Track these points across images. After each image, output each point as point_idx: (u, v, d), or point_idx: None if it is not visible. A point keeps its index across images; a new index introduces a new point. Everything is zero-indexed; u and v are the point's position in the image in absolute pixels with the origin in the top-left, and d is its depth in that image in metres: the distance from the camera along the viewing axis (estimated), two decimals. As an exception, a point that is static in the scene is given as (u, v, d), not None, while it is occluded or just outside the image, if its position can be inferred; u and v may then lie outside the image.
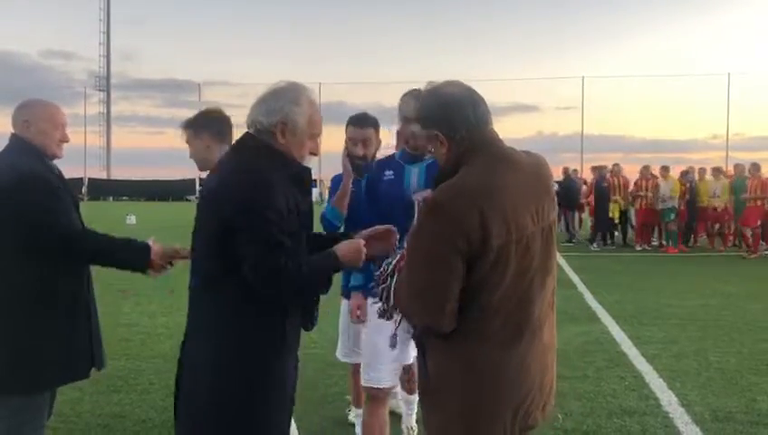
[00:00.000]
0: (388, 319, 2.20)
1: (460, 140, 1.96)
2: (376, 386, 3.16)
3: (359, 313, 3.28)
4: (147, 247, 2.92)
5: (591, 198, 16.43)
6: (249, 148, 2.26)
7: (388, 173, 3.23)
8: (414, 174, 3.16)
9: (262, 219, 2.10)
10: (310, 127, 2.28)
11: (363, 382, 3.23)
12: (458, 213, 1.83)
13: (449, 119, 1.97)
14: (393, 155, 3.33)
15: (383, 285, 2.14)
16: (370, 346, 3.18)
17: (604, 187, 15.68)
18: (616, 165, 16.54)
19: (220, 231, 2.14)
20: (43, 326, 2.76)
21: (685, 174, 15.64)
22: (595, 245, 15.48)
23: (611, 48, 67.42)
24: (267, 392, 2.24)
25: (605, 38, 66.77)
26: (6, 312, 2.77)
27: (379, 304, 2.18)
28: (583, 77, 38.51)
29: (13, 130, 2.91)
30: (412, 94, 3.08)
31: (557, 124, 68.91)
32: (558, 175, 19.31)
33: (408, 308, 1.99)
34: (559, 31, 68.09)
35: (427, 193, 2.31)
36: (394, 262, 2.13)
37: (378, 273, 2.18)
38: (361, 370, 3.29)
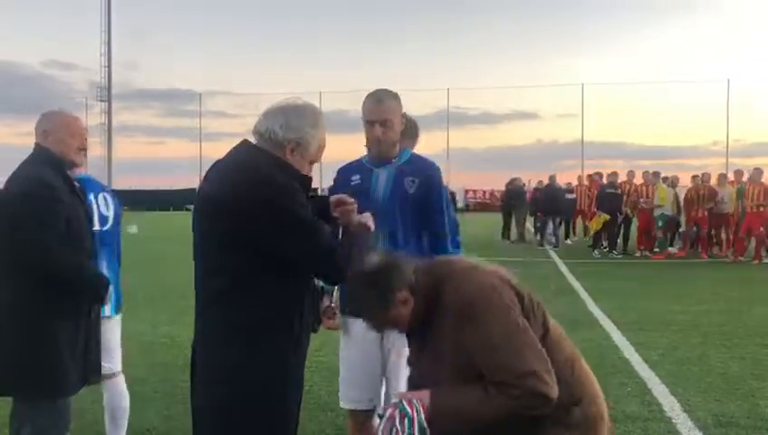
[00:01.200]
0: None
1: (418, 286, 2.15)
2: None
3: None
4: (104, 282, 2.98)
5: (593, 206, 16.40)
6: (260, 156, 2.24)
7: (355, 178, 3.05)
8: (382, 178, 3.01)
9: (299, 214, 2.15)
10: (317, 152, 2.33)
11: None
12: (499, 283, 2.09)
13: (394, 286, 2.16)
14: (360, 159, 3.12)
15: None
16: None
17: (611, 193, 15.44)
18: (630, 172, 16.52)
19: (249, 236, 2.13)
20: (61, 332, 2.82)
21: (700, 178, 15.34)
22: (596, 252, 15.40)
23: (611, 55, 67.58)
24: (286, 392, 2.26)
25: (605, 45, 66.96)
26: (26, 319, 2.82)
27: None
28: (583, 84, 38.64)
29: (36, 140, 3.01)
30: (375, 96, 2.97)
31: (557, 131, 68.91)
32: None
33: (525, 388, 1.93)
34: (558, 38, 68.36)
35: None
36: (412, 416, 1.92)
37: (382, 424, 1.98)
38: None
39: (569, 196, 18.11)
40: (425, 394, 1.99)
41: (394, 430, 1.93)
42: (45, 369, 2.80)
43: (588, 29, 66.47)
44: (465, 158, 51.83)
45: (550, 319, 2.19)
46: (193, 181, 38.89)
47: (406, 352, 2.86)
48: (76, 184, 3.04)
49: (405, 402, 1.96)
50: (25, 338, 2.81)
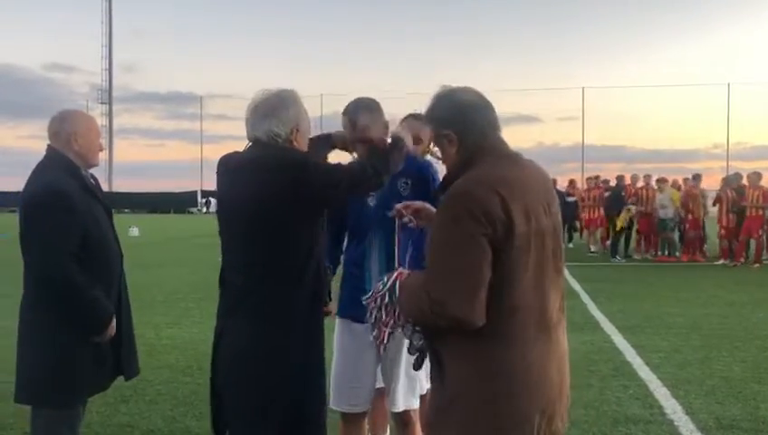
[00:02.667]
0: (382, 343, 2.17)
1: (470, 142, 2.02)
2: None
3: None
4: (107, 315, 2.90)
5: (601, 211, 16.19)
6: (285, 149, 2.46)
7: None
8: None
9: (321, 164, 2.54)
10: (308, 127, 2.57)
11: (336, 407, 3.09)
12: (482, 196, 1.85)
13: (462, 121, 2.02)
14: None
15: (378, 302, 2.11)
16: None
17: (622, 196, 15.31)
18: (647, 175, 16.20)
19: (290, 211, 2.36)
20: (73, 339, 2.83)
21: (730, 180, 15.13)
22: (618, 258, 15.02)
23: (611, 59, 67.70)
24: (321, 371, 2.54)
25: (605, 49, 67.07)
26: (38, 328, 2.85)
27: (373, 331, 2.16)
28: (583, 88, 38.79)
29: (50, 143, 2.97)
30: (364, 104, 2.92)
31: (558, 135, 69.41)
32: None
33: (437, 300, 1.84)
34: (559, 42, 68.46)
35: (407, 204, 2.39)
36: (392, 279, 2.11)
37: (369, 295, 2.15)
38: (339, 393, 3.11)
39: (569, 199, 18.10)
40: (405, 272, 2.12)
41: (375, 288, 2.17)
42: (55, 377, 2.82)
43: (589, 33, 66.60)
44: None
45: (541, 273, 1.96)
46: (194, 184, 38.98)
47: (401, 359, 2.93)
48: (92, 182, 3.05)
49: (386, 275, 2.17)
50: (40, 343, 2.84)
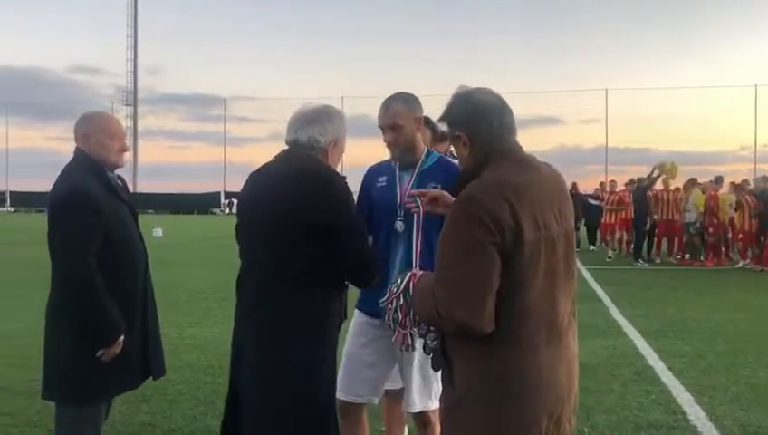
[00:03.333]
0: (407, 347, 2.20)
1: (483, 144, 2.01)
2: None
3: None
4: (117, 328, 2.88)
5: (630, 212, 15.91)
6: (314, 161, 2.53)
7: (381, 180, 3.09)
8: (406, 180, 3.03)
9: (354, 218, 2.52)
10: (344, 147, 2.69)
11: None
12: (491, 203, 1.85)
13: (475, 123, 2.02)
14: (389, 160, 3.12)
15: (395, 304, 2.13)
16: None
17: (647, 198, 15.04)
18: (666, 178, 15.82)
19: (310, 232, 2.38)
20: (98, 338, 2.85)
21: (744, 185, 15.02)
22: (641, 261, 14.85)
23: (635, 60, 66.99)
24: (334, 377, 2.59)
25: (628, 50, 66.44)
26: (64, 325, 2.89)
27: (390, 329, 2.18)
28: (607, 89, 38.45)
29: (76, 144, 3.03)
30: (384, 101, 2.97)
31: (580, 137, 68.86)
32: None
33: (444, 306, 1.86)
34: (582, 43, 67.94)
35: (424, 191, 2.41)
36: (405, 280, 2.13)
37: (385, 298, 2.16)
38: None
39: (593, 201, 17.94)
40: (418, 273, 2.15)
41: (390, 291, 2.18)
42: (77, 375, 2.86)
43: (611, 34, 66.01)
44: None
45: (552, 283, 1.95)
46: (217, 185, 39.31)
47: (414, 359, 2.93)
48: (119, 183, 3.08)
49: (400, 276, 2.18)
50: (65, 344, 2.88)
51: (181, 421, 4.44)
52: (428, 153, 3.09)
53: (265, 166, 2.62)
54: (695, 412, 4.67)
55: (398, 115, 2.93)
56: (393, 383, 3.19)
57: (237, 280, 2.61)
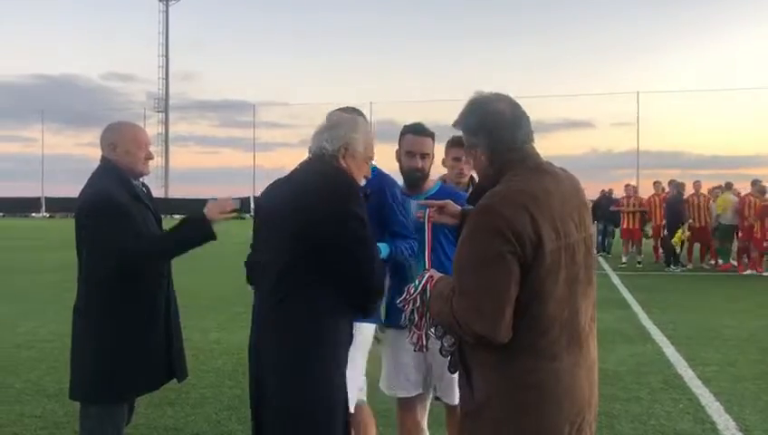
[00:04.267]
0: (421, 348, 2.21)
1: (500, 153, 2.00)
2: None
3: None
4: (202, 219, 3.11)
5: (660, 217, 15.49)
6: (327, 167, 2.52)
7: (401, 196, 3.21)
8: (413, 207, 3.12)
9: (362, 237, 2.44)
10: (366, 151, 2.63)
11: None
12: (510, 214, 1.83)
13: (491, 131, 2.00)
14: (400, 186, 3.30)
15: (411, 305, 2.13)
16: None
17: (679, 203, 14.67)
18: (697, 182, 15.50)
19: (319, 246, 2.38)
20: (122, 340, 2.93)
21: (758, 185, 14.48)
22: (673, 267, 14.55)
23: (667, 62, 65.96)
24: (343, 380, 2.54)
25: (661, 52, 65.38)
26: (90, 326, 2.97)
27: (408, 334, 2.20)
28: (638, 92, 37.83)
29: (102, 153, 3.12)
30: (416, 129, 3.26)
31: (612, 140, 67.50)
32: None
33: (462, 317, 1.86)
34: (613, 46, 67.13)
35: (432, 202, 2.43)
36: (422, 282, 2.13)
37: (402, 298, 2.17)
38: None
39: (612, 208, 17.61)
40: (435, 275, 2.14)
41: (407, 291, 2.18)
42: (101, 375, 2.93)
43: (643, 36, 65.12)
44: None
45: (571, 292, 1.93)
46: (246, 190, 39.64)
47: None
48: (143, 190, 3.16)
49: (417, 278, 2.18)
50: (89, 343, 2.96)
51: (205, 426, 4.48)
52: (435, 184, 3.33)
53: (288, 174, 2.65)
54: (724, 422, 4.57)
55: (428, 146, 3.26)
56: (406, 391, 3.21)
57: (248, 277, 2.70)
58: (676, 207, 14.64)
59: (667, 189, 15.85)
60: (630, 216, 15.70)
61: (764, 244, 13.66)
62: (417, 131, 3.26)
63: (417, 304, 2.13)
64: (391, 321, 3.11)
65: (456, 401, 2.99)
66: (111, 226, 2.87)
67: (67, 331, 3.10)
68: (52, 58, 76.74)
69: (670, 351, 6.66)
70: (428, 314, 2.12)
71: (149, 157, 3.17)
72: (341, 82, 61.97)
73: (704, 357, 6.40)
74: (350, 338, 2.55)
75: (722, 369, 5.99)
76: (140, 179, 3.18)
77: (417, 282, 2.16)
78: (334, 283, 2.41)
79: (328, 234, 2.37)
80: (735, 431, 4.40)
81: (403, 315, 2.19)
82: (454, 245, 2.88)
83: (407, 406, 3.26)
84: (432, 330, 2.15)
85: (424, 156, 3.24)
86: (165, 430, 4.38)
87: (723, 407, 4.88)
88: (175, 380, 3.21)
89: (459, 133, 2.14)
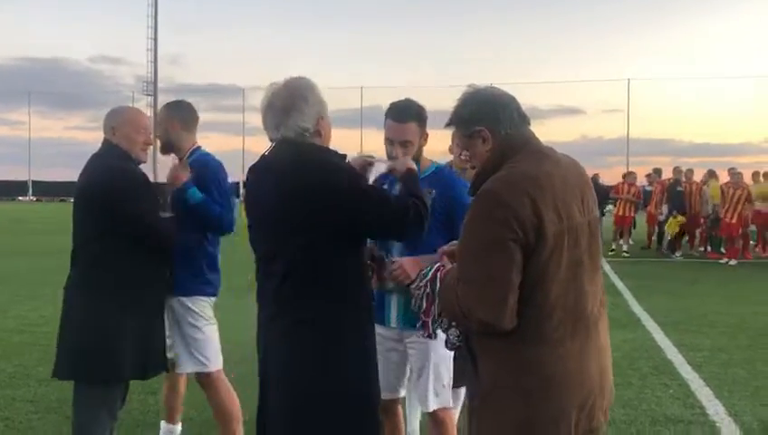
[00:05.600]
0: (429, 335, 2.20)
1: (503, 137, 1.98)
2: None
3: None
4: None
5: (652, 206, 15.66)
6: (310, 147, 2.38)
7: (385, 183, 3.03)
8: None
9: (365, 186, 2.39)
10: (327, 111, 2.46)
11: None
12: (512, 200, 1.82)
13: (492, 115, 1.99)
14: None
15: (422, 292, 2.13)
16: None
17: (680, 192, 14.73)
18: (689, 170, 15.48)
19: (324, 222, 2.27)
20: (123, 321, 2.92)
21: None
22: (678, 254, 14.59)
23: (658, 49, 66.05)
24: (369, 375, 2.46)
25: (651, 39, 65.50)
26: (90, 305, 2.95)
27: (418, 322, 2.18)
28: (629, 79, 37.93)
29: (105, 136, 3.10)
30: (396, 111, 2.91)
31: (602, 127, 68.06)
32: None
33: (466, 305, 1.86)
34: (604, 33, 67.11)
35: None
36: (432, 271, 2.13)
37: (414, 283, 2.18)
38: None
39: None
40: (447, 265, 2.13)
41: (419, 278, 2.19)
42: (100, 354, 2.92)
43: (634, 23, 65.11)
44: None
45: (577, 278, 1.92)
46: (236, 175, 39.52)
47: (428, 359, 2.94)
48: (146, 175, 3.13)
49: (432, 265, 2.17)
50: (85, 322, 2.94)
51: (193, 412, 4.46)
52: (431, 165, 3.07)
53: (264, 162, 2.45)
54: (713, 407, 4.62)
55: (410, 132, 2.90)
56: (389, 393, 3.07)
57: (257, 280, 2.50)
58: (673, 194, 14.74)
59: (665, 177, 15.88)
60: (626, 203, 15.68)
61: (740, 230, 13.78)
62: (396, 117, 2.91)
63: (428, 290, 2.12)
64: (378, 322, 3.03)
65: (431, 407, 3.01)
66: (138, 201, 2.91)
67: (57, 314, 3.07)
68: (40, 40, 76.19)
69: (660, 337, 6.71)
70: (437, 304, 2.11)
71: (148, 142, 3.12)
72: (331, 67, 61.72)
73: (693, 343, 6.45)
74: (364, 326, 2.42)
75: (711, 354, 6.05)
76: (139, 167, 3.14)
77: (428, 269, 2.16)
78: (342, 264, 2.32)
79: (326, 205, 2.26)
80: (725, 416, 4.44)
81: (413, 301, 2.19)
82: (442, 229, 2.88)
83: (389, 409, 3.17)
84: (438, 322, 2.14)
85: (405, 144, 2.88)
86: (157, 415, 4.35)
87: (712, 392, 4.93)
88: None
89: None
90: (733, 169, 14.46)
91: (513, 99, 2.04)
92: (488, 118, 1.99)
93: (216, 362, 3.46)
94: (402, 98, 3.01)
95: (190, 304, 3.33)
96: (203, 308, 3.40)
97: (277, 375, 2.37)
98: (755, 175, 15.04)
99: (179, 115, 3.43)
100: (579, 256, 1.91)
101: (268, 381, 2.42)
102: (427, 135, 3.00)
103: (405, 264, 2.66)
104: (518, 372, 1.89)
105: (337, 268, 2.32)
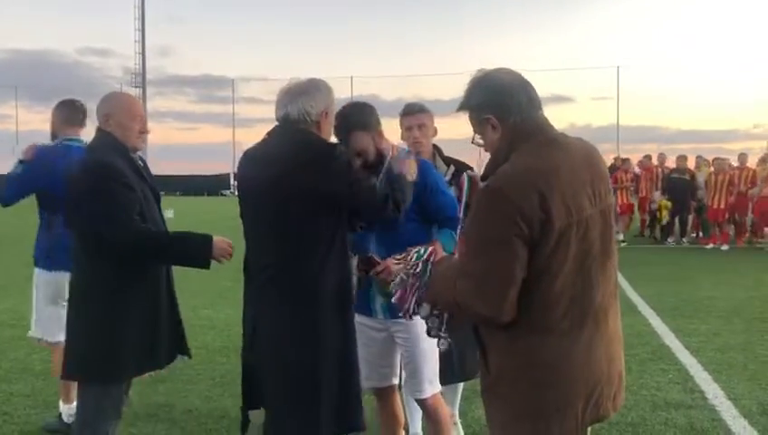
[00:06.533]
0: (404, 313, 2.18)
1: (513, 124, 1.94)
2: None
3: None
4: (208, 240, 2.90)
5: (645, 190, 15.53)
6: (309, 135, 2.56)
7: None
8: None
9: (354, 181, 2.56)
10: (333, 118, 2.71)
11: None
12: (518, 196, 1.79)
13: (501, 103, 1.95)
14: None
15: (410, 271, 2.12)
16: None
17: (677, 178, 14.61)
18: (681, 156, 15.37)
19: (313, 206, 2.45)
20: (124, 317, 2.86)
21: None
22: (671, 240, 14.68)
23: (647, 36, 66.11)
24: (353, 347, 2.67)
25: (640, 26, 65.57)
26: (89, 302, 2.89)
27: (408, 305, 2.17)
28: (618, 66, 37.96)
29: (97, 125, 3.01)
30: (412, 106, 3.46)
31: (591, 115, 68.15)
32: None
33: (464, 299, 1.87)
34: (593, 20, 67.11)
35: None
36: (425, 254, 2.12)
37: (400, 256, 2.18)
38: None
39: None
40: (441, 251, 2.19)
41: (408, 252, 2.22)
42: (103, 352, 2.85)
43: (623, 10, 65.15)
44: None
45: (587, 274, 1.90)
46: (226, 167, 39.34)
47: (416, 347, 2.97)
48: (140, 164, 3.04)
49: (425, 246, 2.21)
50: (89, 320, 2.88)
51: (198, 402, 4.46)
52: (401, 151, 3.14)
53: (260, 145, 2.63)
54: (713, 391, 4.64)
55: (424, 116, 3.46)
56: (377, 382, 3.16)
57: (244, 262, 2.66)
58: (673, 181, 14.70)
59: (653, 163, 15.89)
60: (625, 191, 15.59)
61: (725, 215, 13.87)
62: (410, 110, 3.49)
63: (419, 269, 2.11)
64: (359, 310, 3.02)
65: (424, 395, 3.04)
66: (117, 193, 2.76)
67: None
68: (26, 32, 75.16)
69: (657, 322, 6.74)
70: (421, 290, 2.11)
71: (144, 130, 3.03)
72: (322, 57, 61.38)
73: (690, 328, 6.48)
74: (349, 304, 2.61)
75: (708, 339, 6.08)
76: (137, 154, 3.06)
77: (420, 249, 2.14)
78: (329, 243, 2.49)
79: (316, 190, 2.45)
80: (724, 400, 4.47)
81: (395, 275, 2.19)
82: (416, 224, 2.91)
83: (380, 396, 3.23)
84: (418, 307, 2.13)
85: (421, 127, 3.43)
86: (158, 407, 4.35)
87: (711, 376, 4.96)
88: (179, 358, 3.17)
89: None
90: (717, 157, 14.54)
91: (523, 84, 1.98)
92: (495, 106, 1.95)
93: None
94: (396, 89, 3.32)
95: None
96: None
97: (268, 347, 2.52)
98: (762, 160, 14.96)
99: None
100: (588, 247, 1.89)
101: (258, 354, 2.56)
102: (436, 129, 3.53)
103: (390, 265, 2.71)
104: (524, 363, 1.89)
105: (320, 249, 2.49)
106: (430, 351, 2.96)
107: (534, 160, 1.87)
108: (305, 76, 2.67)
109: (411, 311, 2.17)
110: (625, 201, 15.40)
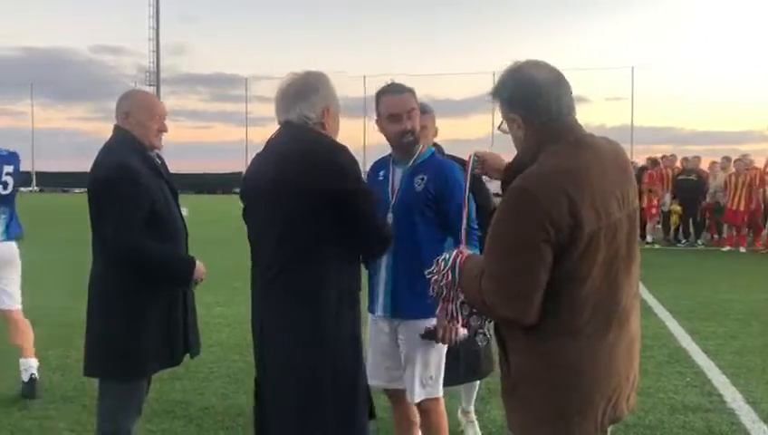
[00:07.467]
0: (449, 322, 2.19)
1: (539, 126, 1.90)
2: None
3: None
4: (187, 266, 2.98)
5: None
6: (315, 135, 2.50)
7: (381, 174, 3.12)
8: (398, 176, 3.04)
9: (365, 186, 2.54)
10: (338, 107, 2.60)
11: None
12: (546, 199, 1.76)
13: (528, 103, 1.90)
14: (389, 155, 3.14)
15: (442, 281, 2.10)
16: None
17: (685, 180, 14.51)
18: (695, 157, 15.34)
19: (319, 205, 2.39)
20: (143, 315, 2.87)
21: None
22: (683, 242, 14.55)
23: (662, 37, 65.65)
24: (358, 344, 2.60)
25: (655, 27, 65.08)
26: (107, 300, 2.90)
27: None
28: (633, 67, 37.64)
29: (116, 122, 3.00)
30: (393, 88, 2.97)
31: (605, 115, 67.17)
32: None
33: (491, 299, 1.85)
34: (607, 20, 66.70)
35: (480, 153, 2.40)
36: (452, 256, 2.10)
37: (432, 270, 2.14)
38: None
39: None
40: (465, 252, 2.11)
41: (437, 264, 2.16)
42: (122, 350, 2.86)
43: (638, 11, 64.70)
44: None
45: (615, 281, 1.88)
46: (239, 165, 39.41)
47: (415, 349, 2.96)
48: (158, 162, 3.05)
49: (450, 252, 2.15)
50: (108, 318, 2.89)
51: (214, 399, 4.48)
52: (429, 149, 3.13)
53: (267, 146, 2.60)
54: (731, 394, 4.60)
55: (412, 101, 2.97)
56: (387, 383, 3.15)
57: (252, 261, 2.64)
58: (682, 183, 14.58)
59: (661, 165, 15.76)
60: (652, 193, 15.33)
61: (744, 218, 13.64)
62: (392, 90, 2.96)
63: (449, 278, 2.08)
64: (371, 310, 3.08)
65: (417, 398, 3.01)
66: (126, 200, 2.78)
67: (69, 306, 3.05)
68: (41, 31, 75.60)
69: (673, 325, 6.69)
70: (457, 290, 2.08)
71: (163, 129, 3.03)
72: (335, 56, 61.36)
73: (707, 331, 6.43)
74: (354, 306, 2.54)
75: (725, 342, 6.03)
76: (154, 151, 3.06)
77: (446, 256, 2.12)
78: (335, 243, 2.44)
79: (324, 189, 2.38)
80: (743, 404, 4.43)
81: (431, 288, 2.16)
82: (430, 226, 2.92)
83: (393, 397, 3.23)
84: (459, 307, 2.11)
85: (411, 113, 2.94)
86: (174, 404, 4.37)
87: (729, 380, 4.91)
88: (188, 355, 3.16)
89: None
90: (739, 158, 14.35)
91: (554, 83, 1.91)
92: (522, 106, 1.91)
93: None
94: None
95: None
96: None
97: (274, 349, 2.50)
98: None
99: None
100: (615, 251, 1.87)
101: (265, 356, 2.54)
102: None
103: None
104: (547, 365, 1.87)
105: (326, 248, 2.44)
106: (428, 355, 2.95)
107: (563, 161, 1.84)
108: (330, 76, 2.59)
109: (458, 318, 2.12)
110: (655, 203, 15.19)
